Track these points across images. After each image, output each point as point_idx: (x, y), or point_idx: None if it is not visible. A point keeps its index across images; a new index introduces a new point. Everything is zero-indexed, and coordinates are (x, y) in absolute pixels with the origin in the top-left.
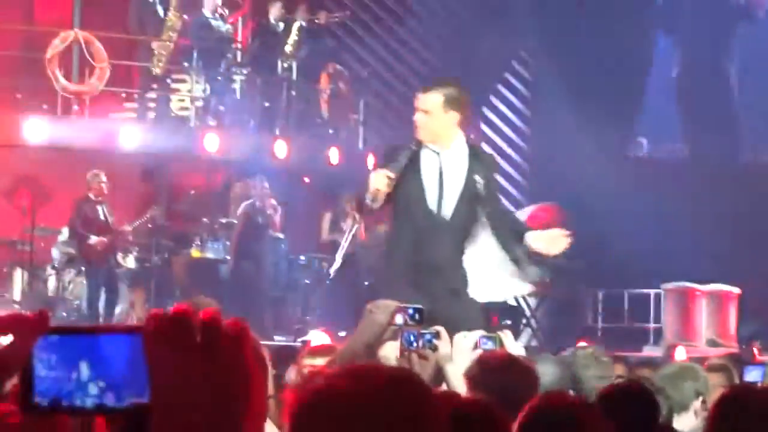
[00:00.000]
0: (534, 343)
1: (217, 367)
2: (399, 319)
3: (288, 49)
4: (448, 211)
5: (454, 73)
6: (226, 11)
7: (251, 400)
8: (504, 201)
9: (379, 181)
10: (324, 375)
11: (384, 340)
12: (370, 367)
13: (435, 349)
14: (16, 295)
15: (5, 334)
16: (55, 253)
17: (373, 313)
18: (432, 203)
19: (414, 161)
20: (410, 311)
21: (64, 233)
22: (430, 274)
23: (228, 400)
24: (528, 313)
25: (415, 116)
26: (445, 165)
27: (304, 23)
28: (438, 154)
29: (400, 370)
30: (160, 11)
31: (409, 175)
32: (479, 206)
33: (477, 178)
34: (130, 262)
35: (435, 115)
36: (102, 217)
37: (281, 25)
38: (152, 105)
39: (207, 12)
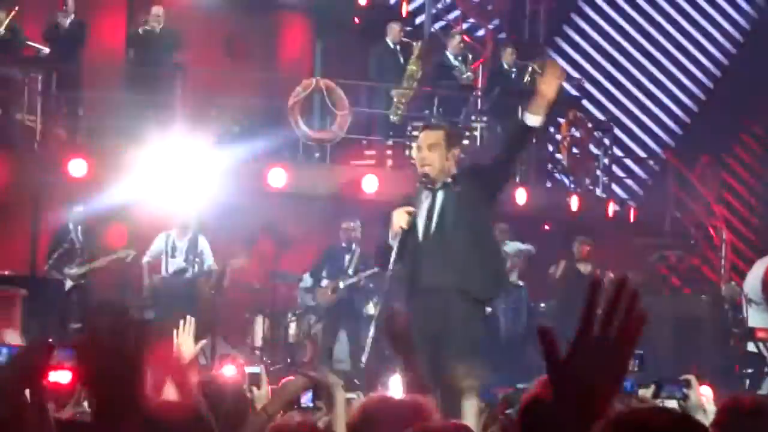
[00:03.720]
0: None
1: None
2: None
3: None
4: (428, 240)
5: (694, 125)
6: (469, 56)
7: None
8: (742, 246)
9: (401, 218)
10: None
11: None
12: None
13: (686, 398)
14: (258, 341)
15: None
16: (299, 299)
17: None
18: (420, 236)
19: (420, 199)
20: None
21: (306, 280)
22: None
23: None
24: None
25: (420, 154)
26: (437, 200)
27: (537, 69)
28: (436, 190)
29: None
30: (401, 59)
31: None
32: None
33: (449, 204)
34: (371, 308)
35: (440, 151)
36: (344, 265)
37: (514, 70)
38: (390, 152)
39: (450, 55)
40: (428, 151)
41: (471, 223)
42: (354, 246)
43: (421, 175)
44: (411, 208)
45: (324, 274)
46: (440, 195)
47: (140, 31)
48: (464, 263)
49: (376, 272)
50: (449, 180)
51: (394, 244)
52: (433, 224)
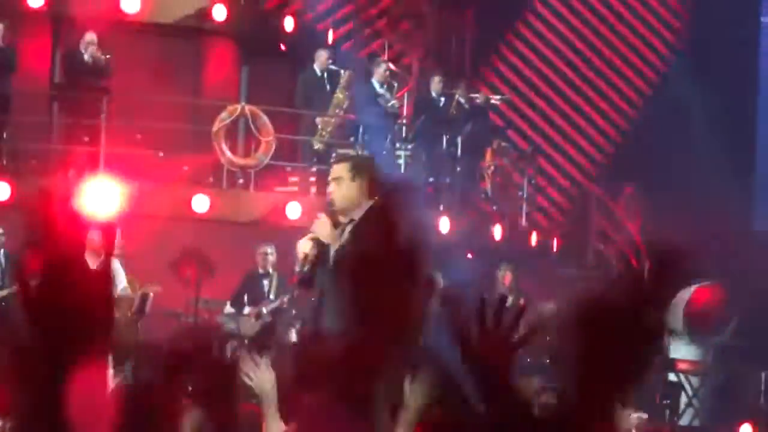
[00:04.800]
0: (696, 422)
1: None
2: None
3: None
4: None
5: (618, 155)
6: (395, 84)
7: None
8: None
9: (305, 245)
10: None
11: None
12: None
13: None
14: None
15: None
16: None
17: None
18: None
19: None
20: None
21: (228, 308)
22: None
23: None
24: (690, 392)
25: (328, 188)
26: (344, 238)
27: (462, 99)
28: (344, 223)
29: None
30: (328, 87)
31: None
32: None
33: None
34: (293, 335)
35: (344, 183)
36: (264, 290)
37: (442, 99)
38: (314, 179)
39: (376, 83)
40: (333, 184)
41: None
42: (271, 271)
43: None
44: (314, 235)
45: (245, 300)
46: (346, 233)
47: (85, 57)
48: None
49: (296, 295)
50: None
51: (304, 271)
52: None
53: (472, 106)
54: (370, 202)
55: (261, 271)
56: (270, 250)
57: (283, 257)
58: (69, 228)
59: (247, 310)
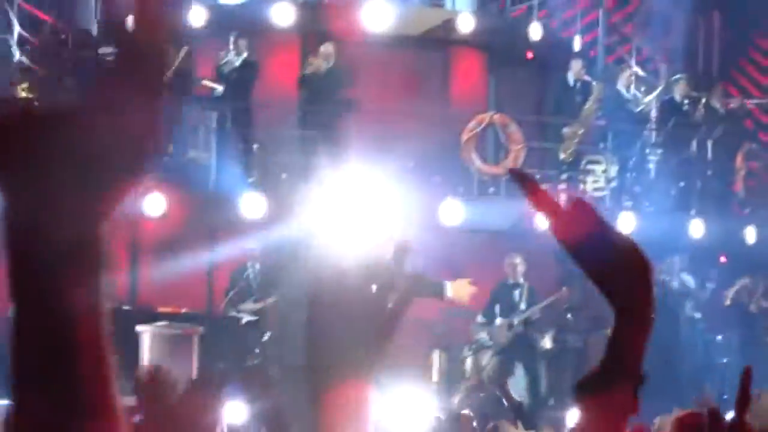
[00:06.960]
0: None
1: None
2: None
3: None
4: None
5: None
6: (642, 90)
7: None
8: None
9: None
10: None
11: None
12: None
13: None
14: (435, 376)
15: None
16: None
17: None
18: None
19: None
20: None
21: (480, 316)
22: None
23: None
24: None
25: None
26: None
27: (717, 104)
28: None
29: None
30: (579, 97)
31: None
32: None
33: None
34: (547, 342)
35: None
36: (515, 301)
37: (686, 102)
38: (564, 187)
39: (622, 88)
40: None
41: None
42: (522, 281)
43: None
44: None
45: (497, 311)
46: None
47: (305, 73)
48: None
49: (548, 304)
50: None
51: None
52: None
53: (727, 111)
54: None
55: (511, 281)
56: (519, 260)
57: (532, 267)
58: None
59: (498, 321)
